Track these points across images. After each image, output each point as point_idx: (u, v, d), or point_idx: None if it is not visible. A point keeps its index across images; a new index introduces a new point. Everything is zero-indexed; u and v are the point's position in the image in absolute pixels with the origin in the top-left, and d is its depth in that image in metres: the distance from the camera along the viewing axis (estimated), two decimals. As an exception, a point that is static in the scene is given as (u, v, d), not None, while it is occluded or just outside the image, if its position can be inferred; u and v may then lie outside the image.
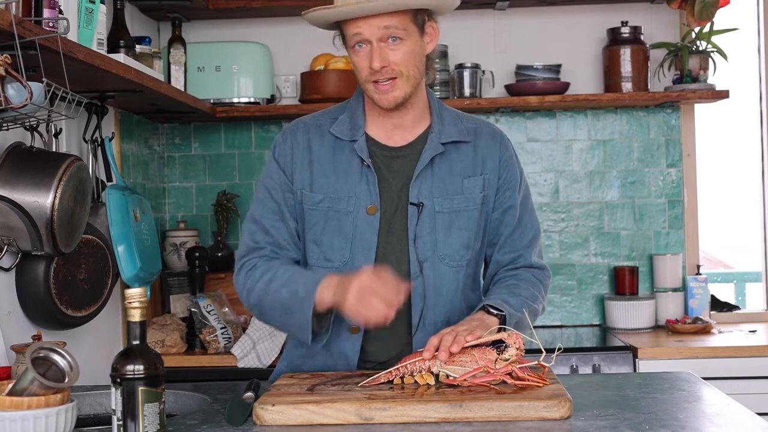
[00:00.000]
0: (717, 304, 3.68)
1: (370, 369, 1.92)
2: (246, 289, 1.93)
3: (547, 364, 1.74)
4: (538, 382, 1.69)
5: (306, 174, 1.94)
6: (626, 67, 3.49)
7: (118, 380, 1.42)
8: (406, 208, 1.92)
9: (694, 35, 3.50)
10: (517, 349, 1.69)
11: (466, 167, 1.96)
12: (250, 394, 1.74)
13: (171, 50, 3.23)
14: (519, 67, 3.57)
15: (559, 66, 3.56)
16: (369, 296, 1.71)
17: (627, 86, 3.48)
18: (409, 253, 1.91)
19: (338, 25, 1.89)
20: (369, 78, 1.85)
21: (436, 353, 1.73)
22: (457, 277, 1.95)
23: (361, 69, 1.86)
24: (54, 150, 2.37)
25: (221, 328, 3.16)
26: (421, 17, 1.87)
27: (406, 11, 1.83)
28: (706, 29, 3.46)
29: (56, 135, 2.42)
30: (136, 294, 1.44)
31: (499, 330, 1.80)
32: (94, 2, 2.24)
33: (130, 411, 1.42)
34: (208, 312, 3.19)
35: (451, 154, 1.95)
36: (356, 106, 1.98)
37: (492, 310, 1.86)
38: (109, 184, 2.66)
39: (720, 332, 3.35)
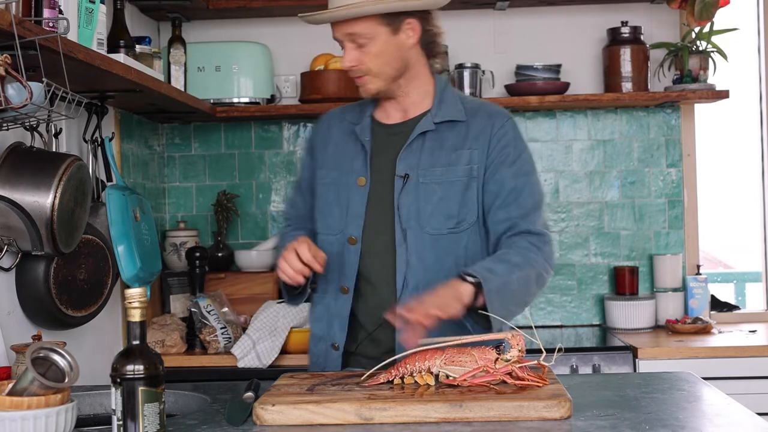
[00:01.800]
0: (717, 304, 3.68)
1: (361, 335, 2.08)
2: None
3: (547, 364, 1.74)
4: (538, 382, 1.69)
5: (323, 154, 2.17)
6: (626, 67, 3.49)
7: (118, 380, 1.42)
8: (390, 180, 2.06)
9: (694, 35, 3.50)
10: (519, 351, 1.70)
11: (457, 143, 2.07)
12: (250, 394, 1.74)
13: (171, 50, 3.23)
14: (519, 67, 3.57)
15: (559, 66, 3.56)
16: (290, 257, 1.94)
17: (627, 86, 3.49)
18: (394, 221, 2.04)
19: None
20: (349, 74, 2.06)
21: (436, 354, 1.74)
22: (440, 246, 2.03)
23: (344, 65, 2.05)
24: (54, 150, 2.36)
25: (221, 328, 3.16)
26: (392, 18, 1.98)
27: (372, 16, 1.96)
28: (706, 29, 3.46)
29: (56, 135, 2.42)
30: (136, 294, 1.44)
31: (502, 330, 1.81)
32: (94, 2, 2.24)
33: (130, 411, 1.42)
34: (208, 312, 3.19)
35: (444, 132, 2.07)
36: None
37: (467, 278, 1.88)
38: (109, 184, 2.65)
39: (720, 332, 3.35)
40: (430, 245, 2.03)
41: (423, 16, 2.03)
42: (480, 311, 1.89)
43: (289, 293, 2.11)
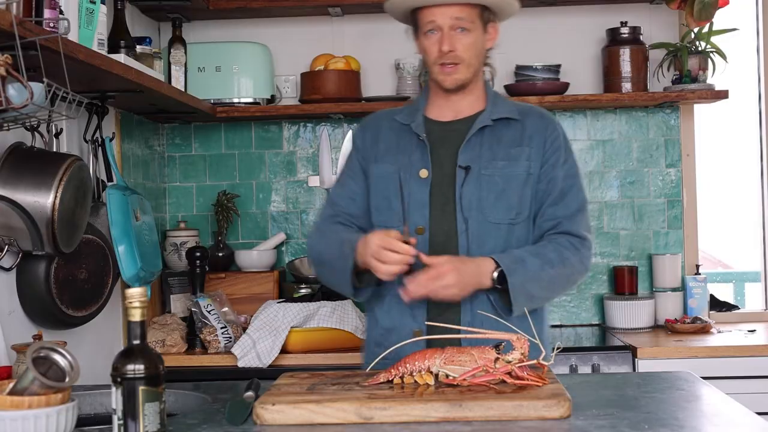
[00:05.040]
0: (716, 304, 3.68)
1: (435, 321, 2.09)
2: (314, 248, 2.23)
3: (546, 364, 1.75)
4: (538, 382, 1.69)
5: (374, 151, 2.23)
6: (625, 67, 3.49)
7: (119, 380, 1.43)
8: (452, 171, 2.14)
9: (693, 35, 3.50)
10: (521, 353, 1.70)
11: (514, 139, 2.18)
12: (250, 393, 1.74)
13: (171, 50, 3.23)
14: (519, 68, 3.57)
15: (559, 66, 3.56)
16: (385, 252, 1.97)
17: (626, 86, 3.49)
18: (456, 210, 2.12)
19: (412, 15, 2.16)
20: (437, 60, 2.12)
21: (436, 354, 1.75)
22: (499, 235, 2.13)
23: (431, 52, 2.13)
24: (54, 150, 2.37)
25: (221, 328, 3.16)
26: (486, 16, 2.16)
27: (475, 7, 2.12)
28: (706, 29, 3.47)
29: (57, 135, 2.42)
30: (136, 294, 1.45)
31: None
32: (94, 3, 2.24)
33: (130, 410, 1.42)
34: (209, 312, 3.19)
35: (500, 129, 2.18)
36: (420, 97, 2.28)
37: (495, 260, 2.05)
38: (110, 184, 2.66)
39: (719, 332, 3.35)
40: (491, 234, 2.12)
41: (498, 24, 2.21)
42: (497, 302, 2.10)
43: (357, 287, 2.13)
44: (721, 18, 3.43)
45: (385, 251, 1.96)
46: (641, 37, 3.54)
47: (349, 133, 2.38)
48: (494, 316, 1.97)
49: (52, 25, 1.93)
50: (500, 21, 2.23)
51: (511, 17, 2.27)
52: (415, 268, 2.00)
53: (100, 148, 2.70)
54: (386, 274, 1.99)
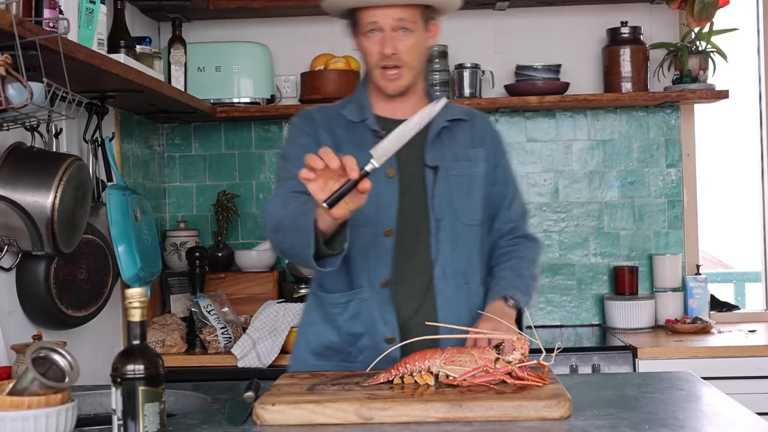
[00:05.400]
0: (716, 304, 3.68)
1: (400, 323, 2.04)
2: (271, 212, 1.94)
3: (546, 364, 1.75)
4: (538, 382, 1.69)
5: (331, 142, 2.06)
6: (626, 67, 3.49)
7: (119, 380, 1.42)
8: (422, 171, 2.08)
9: (693, 35, 3.50)
10: (522, 354, 1.70)
11: (468, 140, 2.15)
12: (250, 393, 1.74)
13: (171, 50, 3.23)
14: (519, 67, 3.57)
15: (559, 66, 3.56)
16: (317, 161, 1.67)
17: (627, 86, 3.49)
18: (428, 211, 2.07)
19: (351, 13, 2.06)
20: (378, 63, 2.04)
21: (436, 354, 1.75)
22: (468, 237, 2.11)
23: (372, 54, 2.04)
24: (54, 150, 2.37)
25: (221, 328, 3.16)
26: (427, 14, 2.06)
27: (416, 7, 2.02)
28: (706, 29, 3.47)
29: (56, 135, 2.42)
30: (136, 294, 1.44)
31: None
32: (94, 2, 2.24)
33: (130, 411, 1.42)
34: (209, 312, 3.19)
35: (454, 129, 2.14)
36: (360, 95, 2.15)
37: (510, 300, 2.04)
38: (110, 184, 2.66)
39: (719, 332, 3.35)
40: (461, 236, 2.10)
41: (439, 20, 2.11)
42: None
43: (321, 255, 1.82)
44: (721, 18, 3.43)
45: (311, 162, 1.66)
46: (642, 37, 3.54)
47: (292, 121, 2.16)
48: (441, 324, 1.98)
49: (51, 24, 1.93)
50: (440, 17, 2.13)
51: (453, 11, 2.14)
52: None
53: (99, 148, 2.70)
54: (317, 189, 1.66)
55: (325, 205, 1.65)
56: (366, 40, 2.04)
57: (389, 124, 2.08)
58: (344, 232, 1.80)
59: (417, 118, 1.73)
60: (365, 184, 1.66)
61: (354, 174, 1.64)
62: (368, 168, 1.66)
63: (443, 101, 1.80)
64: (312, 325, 2.13)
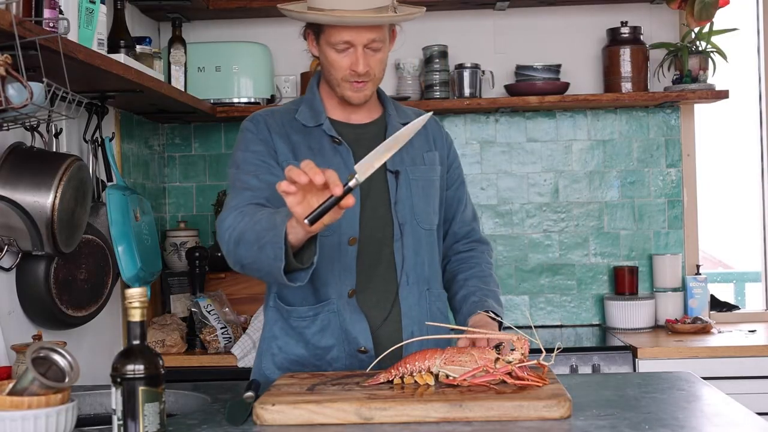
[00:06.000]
0: (716, 304, 3.68)
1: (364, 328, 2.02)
2: (230, 225, 1.87)
3: (546, 364, 1.75)
4: (538, 382, 1.69)
5: (287, 149, 2.03)
6: (626, 67, 3.49)
7: (119, 380, 1.42)
8: (383, 176, 2.07)
9: (693, 35, 3.50)
10: (522, 354, 1.70)
11: (422, 144, 2.16)
12: (250, 393, 1.74)
13: (171, 50, 3.23)
14: (519, 67, 3.57)
15: (559, 66, 3.56)
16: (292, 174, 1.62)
17: (627, 86, 3.49)
18: (392, 216, 2.07)
19: (317, 25, 2.04)
20: (348, 77, 2.02)
21: (436, 354, 1.75)
22: (429, 242, 2.13)
23: (340, 67, 2.01)
24: (54, 150, 2.37)
25: (221, 328, 3.16)
26: (392, 27, 2.08)
27: (386, 25, 2.03)
28: (706, 29, 3.47)
29: (56, 135, 2.42)
30: (136, 294, 1.44)
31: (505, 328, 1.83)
32: (94, 2, 2.24)
33: (130, 411, 1.42)
34: (209, 312, 3.19)
35: None
36: (312, 98, 2.12)
37: (490, 313, 2.03)
38: (110, 184, 2.66)
39: (719, 332, 3.35)
40: (422, 241, 2.10)
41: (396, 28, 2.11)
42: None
43: (290, 269, 1.76)
44: (721, 18, 3.43)
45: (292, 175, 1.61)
46: (641, 37, 3.54)
47: (243, 126, 2.10)
48: (441, 324, 1.99)
49: (51, 24, 1.93)
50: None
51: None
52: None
53: (99, 148, 2.70)
54: (294, 203, 1.61)
55: (306, 221, 1.61)
56: (335, 54, 2.00)
57: (344, 129, 2.09)
58: (313, 245, 1.76)
59: (401, 132, 1.71)
60: (348, 200, 1.61)
61: (337, 190, 1.59)
62: (351, 183, 1.62)
63: (428, 115, 1.81)
64: (275, 339, 2.08)
